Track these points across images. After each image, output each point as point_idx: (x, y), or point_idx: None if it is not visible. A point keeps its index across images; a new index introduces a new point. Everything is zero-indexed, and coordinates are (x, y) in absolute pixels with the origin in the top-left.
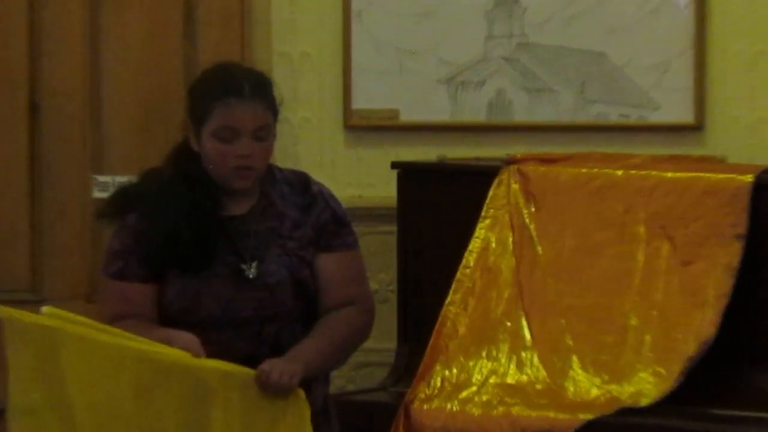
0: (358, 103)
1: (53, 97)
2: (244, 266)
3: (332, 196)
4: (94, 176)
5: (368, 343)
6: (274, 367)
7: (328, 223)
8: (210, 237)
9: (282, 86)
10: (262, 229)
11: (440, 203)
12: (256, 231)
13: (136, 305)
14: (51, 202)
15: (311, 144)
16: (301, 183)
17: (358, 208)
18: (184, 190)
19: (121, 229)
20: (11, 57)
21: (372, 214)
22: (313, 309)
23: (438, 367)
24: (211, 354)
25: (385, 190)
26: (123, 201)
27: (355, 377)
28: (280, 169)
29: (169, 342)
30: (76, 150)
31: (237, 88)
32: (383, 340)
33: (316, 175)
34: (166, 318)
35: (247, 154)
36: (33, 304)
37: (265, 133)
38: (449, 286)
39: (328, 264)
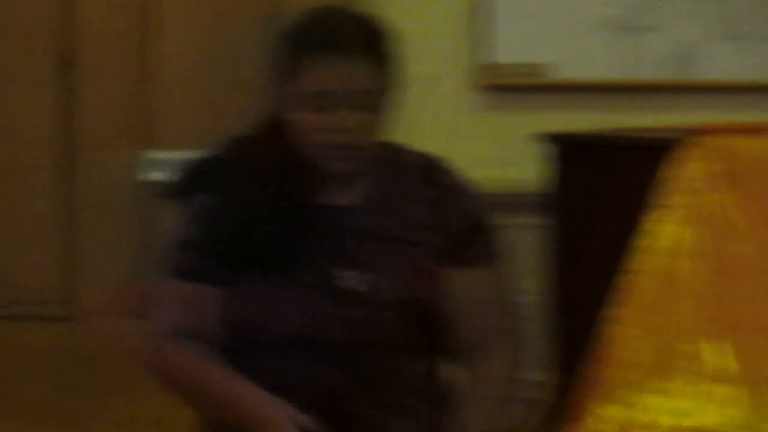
0: (495, 55)
1: (90, 50)
2: (340, 275)
3: (468, 189)
4: (143, 152)
5: None
6: None
7: (465, 229)
8: (297, 231)
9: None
10: (370, 228)
11: (602, 187)
12: (362, 229)
13: (199, 315)
14: (87, 187)
15: (432, 109)
16: (429, 170)
17: (494, 194)
18: (273, 166)
19: (187, 213)
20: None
21: (513, 202)
22: (426, 337)
23: (599, 404)
24: (284, 386)
25: (529, 169)
26: (196, 178)
27: None
28: (405, 150)
29: (256, 416)
30: (119, 118)
31: (336, 39)
32: (528, 368)
33: (438, 149)
34: (234, 333)
35: (347, 129)
36: (62, 321)
37: (373, 100)
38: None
39: (464, 284)
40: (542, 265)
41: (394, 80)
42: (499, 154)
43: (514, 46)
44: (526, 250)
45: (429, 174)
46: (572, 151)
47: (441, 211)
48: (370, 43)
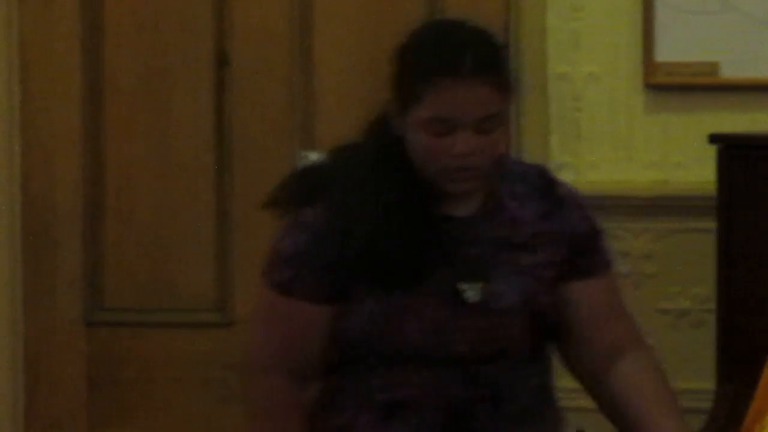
0: (664, 53)
1: (246, 49)
2: (464, 286)
3: (581, 198)
4: (303, 152)
5: (674, 383)
6: None
7: (585, 237)
8: (422, 243)
9: (558, 30)
10: (490, 238)
11: None
12: (483, 240)
13: (302, 335)
14: (243, 188)
15: (598, 109)
16: (542, 180)
17: (662, 197)
18: (390, 179)
19: (295, 226)
20: None
21: (682, 205)
22: (543, 346)
23: None
24: (407, 401)
25: (700, 172)
26: (304, 188)
27: None
28: (514, 161)
29: None
30: (277, 117)
31: (456, 62)
32: (696, 377)
33: (607, 151)
34: (347, 349)
35: (468, 153)
36: (218, 328)
37: (493, 124)
38: None
39: (591, 293)
40: (713, 272)
41: (511, 96)
42: (669, 157)
43: (686, 44)
44: (697, 256)
45: (540, 184)
46: (745, 153)
47: (555, 220)
48: (488, 65)
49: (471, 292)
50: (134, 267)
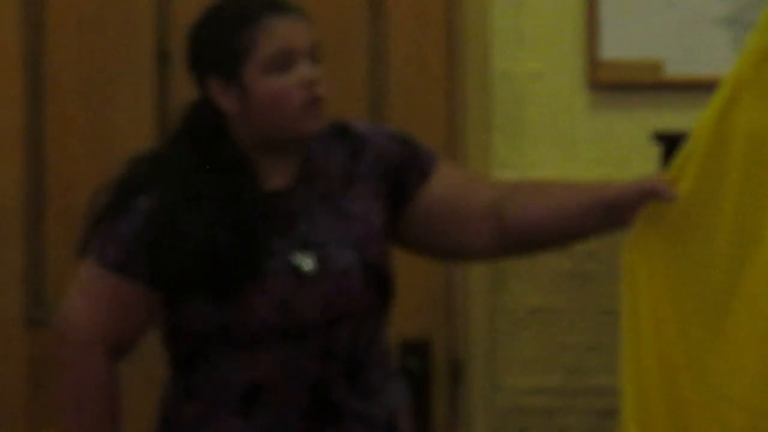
0: (608, 51)
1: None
2: (298, 259)
3: (380, 125)
4: None
5: (618, 380)
6: None
7: (400, 153)
8: (252, 228)
9: (502, 27)
10: (312, 201)
11: None
12: (307, 205)
13: (129, 315)
14: None
15: (542, 107)
16: (336, 128)
17: None
18: (213, 165)
19: (129, 209)
20: None
21: None
22: (388, 302)
23: None
24: (266, 381)
25: (643, 170)
26: (136, 175)
27: (601, 428)
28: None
29: None
30: None
31: (271, 5)
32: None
33: (550, 149)
34: (197, 339)
35: (315, 78)
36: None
37: (319, 54)
38: None
39: (437, 188)
40: None
41: None
42: (614, 155)
43: (630, 41)
44: None
45: (337, 131)
46: None
47: (363, 157)
48: (296, 5)
49: (306, 261)
50: (75, 266)
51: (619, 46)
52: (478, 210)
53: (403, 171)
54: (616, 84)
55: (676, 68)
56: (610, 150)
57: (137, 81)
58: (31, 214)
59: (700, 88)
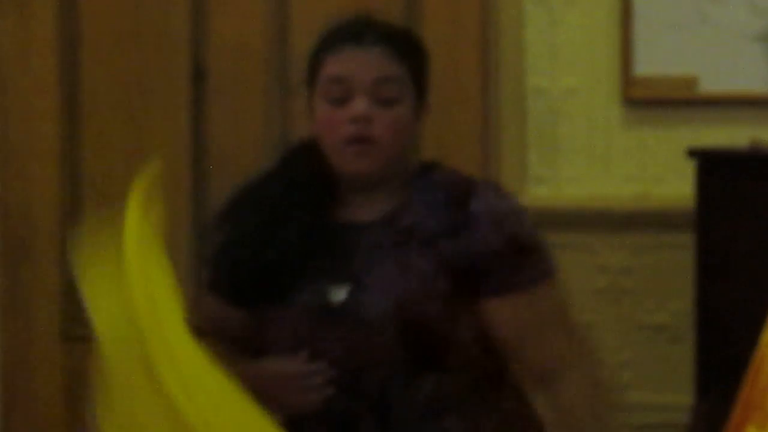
0: (642, 67)
1: (225, 61)
2: (331, 287)
3: (506, 215)
4: None
5: (653, 398)
6: None
7: (496, 255)
8: (304, 253)
9: (537, 44)
10: (381, 244)
11: (755, 204)
12: (374, 246)
13: (222, 331)
14: (220, 200)
15: (576, 123)
16: (460, 192)
17: (641, 212)
18: (290, 185)
19: (218, 232)
20: (170, 12)
21: (660, 221)
22: (441, 357)
23: (752, 429)
24: (291, 414)
25: (678, 186)
26: (227, 205)
27: None
28: (440, 169)
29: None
30: (254, 131)
31: (355, 34)
32: (674, 392)
33: (585, 165)
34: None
35: (362, 116)
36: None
37: (391, 93)
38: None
39: (511, 312)
40: (691, 287)
41: (417, 84)
42: (648, 171)
43: (664, 57)
44: (675, 271)
45: (456, 195)
46: (724, 168)
47: (460, 236)
48: (388, 37)
49: (337, 292)
50: None
51: (653, 62)
52: (523, 366)
53: (487, 271)
54: (650, 100)
55: (711, 84)
56: (644, 166)
57: (173, 97)
58: (66, 228)
59: (734, 104)
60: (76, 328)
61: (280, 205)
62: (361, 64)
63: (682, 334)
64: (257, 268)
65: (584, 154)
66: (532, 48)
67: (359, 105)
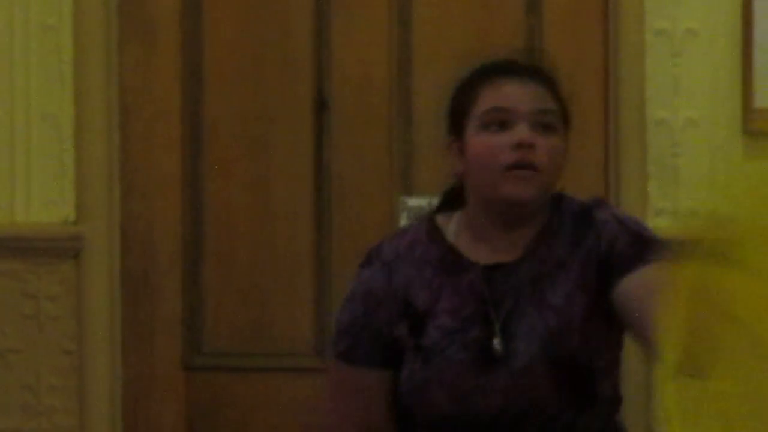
0: (763, 99)
1: (347, 92)
2: (495, 341)
3: (630, 218)
4: (402, 198)
5: None
6: None
7: (623, 247)
8: (455, 300)
9: (657, 75)
10: (527, 282)
11: None
12: (521, 286)
13: (367, 402)
14: (342, 233)
15: (697, 154)
16: (585, 211)
17: None
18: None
19: (351, 293)
20: (293, 44)
21: None
22: (592, 401)
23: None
24: None
25: None
26: (372, 251)
27: None
28: (568, 199)
29: None
30: (377, 162)
31: (509, 67)
32: None
33: (705, 197)
34: (400, 415)
35: (526, 141)
36: (318, 372)
37: (550, 121)
38: None
39: (638, 279)
40: None
41: (564, 120)
42: None
43: None
44: None
45: (582, 215)
46: None
47: (584, 242)
48: (541, 70)
49: (494, 342)
50: (233, 311)
51: None
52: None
53: (614, 265)
54: None
55: None
56: (765, 195)
57: (294, 128)
58: (188, 259)
59: None
60: (196, 358)
61: (425, 253)
62: (519, 92)
63: None
64: (410, 316)
65: (705, 186)
66: (653, 80)
67: (523, 130)
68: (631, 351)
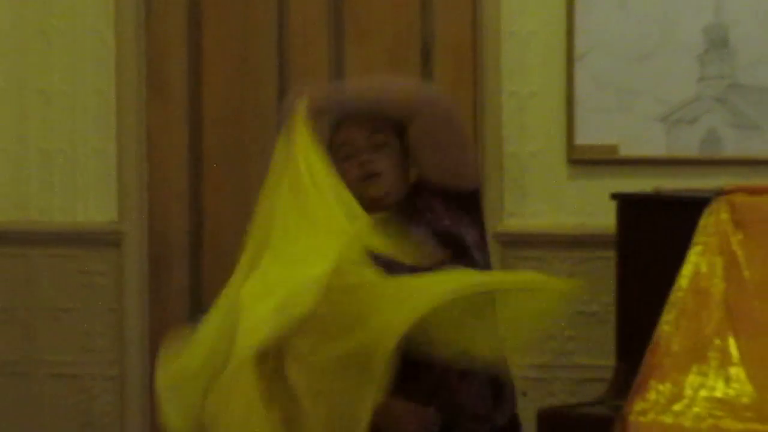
0: (581, 138)
1: None
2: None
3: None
4: None
5: (588, 360)
6: None
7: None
8: None
9: (510, 122)
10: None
11: (656, 231)
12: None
13: None
14: None
15: (537, 176)
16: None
17: (580, 236)
18: None
19: None
20: (261, 96)
21: (593, 241)
22: None
23: (653, 382)
24: None
25: (605, 219)
26: None
27: (576, 391)
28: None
29: None
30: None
31: (350, 118)
32: (602, 357)
33: (541, 205)
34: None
35: (365, 160)
36: None
37: (380, 139)
38: (663, 307)
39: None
40: (613, 286)
41: (393, 140)
42: (584, 208)
43: (595, 132)
44: (602, 276)
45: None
46: (635, 206)
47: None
48: (369, 120)
49: None
50: (225, 282)
51: (588, 135)
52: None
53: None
54: (587, 161)
55: (627, 150)
56: (582, 205)
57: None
58: (192, 249)
59: (643, 163)
60: (198, 315)
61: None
62: (354, 128)
63: (608, 318)
64: None
65: (541, 196)
66: (507, 125)
67: (361, 155)
68: None
